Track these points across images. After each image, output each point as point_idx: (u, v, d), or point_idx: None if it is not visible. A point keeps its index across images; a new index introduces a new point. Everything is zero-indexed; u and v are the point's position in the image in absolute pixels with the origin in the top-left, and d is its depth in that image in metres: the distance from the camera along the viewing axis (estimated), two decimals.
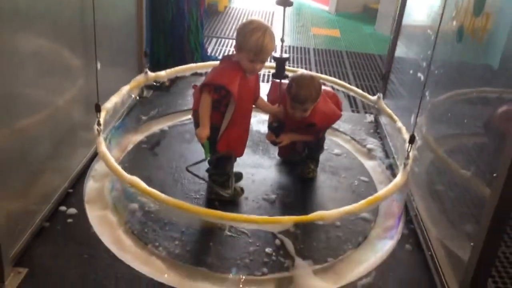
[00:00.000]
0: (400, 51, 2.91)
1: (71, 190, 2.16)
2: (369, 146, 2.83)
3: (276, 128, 2.30)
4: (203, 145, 2.02)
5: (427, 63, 2.25)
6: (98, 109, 2.12)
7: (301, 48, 4.93)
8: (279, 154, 2.59)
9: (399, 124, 2.52)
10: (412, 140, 2.05)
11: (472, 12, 1.77)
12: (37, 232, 1.87)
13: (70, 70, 2.14)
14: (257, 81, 2.21)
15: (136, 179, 1.91)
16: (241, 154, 2.19)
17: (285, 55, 2.25)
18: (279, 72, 2.26)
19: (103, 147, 2.08)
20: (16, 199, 1.74)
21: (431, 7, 2.36)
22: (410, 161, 2.10)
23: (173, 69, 2.98)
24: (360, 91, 3.03)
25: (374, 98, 2.93)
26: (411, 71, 2.53)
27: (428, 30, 2.31)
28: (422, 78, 2.32)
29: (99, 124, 2.13)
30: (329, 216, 1.84)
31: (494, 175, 1.42)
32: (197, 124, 2.05)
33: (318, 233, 2.07)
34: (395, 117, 2.62)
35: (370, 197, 1.94)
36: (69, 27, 2.07)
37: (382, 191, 2.01)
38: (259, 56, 1.95)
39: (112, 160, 2.01)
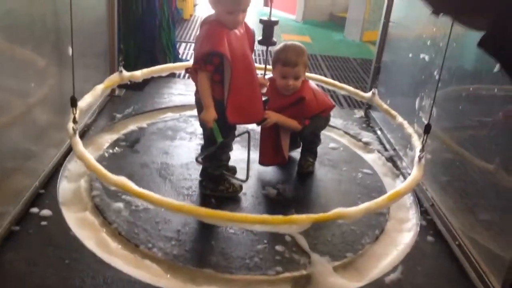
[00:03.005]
0: (393, 37, 2.77)
1: (42, 191, 1.85)
2: (364, 139, 2.66)
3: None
4: (211, 130, 1.77)
5: (433, 41, 2.13)
6: (74, 103, 1.81)
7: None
8: (260, 161, 2.24)
9: (400, 119, 2.35)
10: (428, 129, 1.86)
11: None
12: (6, 237, 1.55)
13: (40, 69, 1.88)
14: (250, 34, 1.90)
15: (124, 180, 1.63)
16: (261, 117, 1.95)
17: (273, 19, 2.03)
18: (267, 37, 2.03)
19: (80, 147, 1.78)
20: None
21: None
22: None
23: (149, 69, 2.68)
24: (352, 88, 2.81)
25: (368, 95, 2.75)
26: (410, 55, 2.38)
27: None
28: (426, 58, 2.17)
29: (75, 121, 1.83)
30: (350, 214, 1.61)
31: None
32: (200, 109, 1.81)
33: (331, 227, 1.85)
34: (393, 112, 2.44)
35: (391, 192, 1.75)
36: (40, 26, 1.83)
37: (402, 185, 1.81)
38: (238, 5, 1.71)
39: (92, 161, 1.73)
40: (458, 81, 1.88)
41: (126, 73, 2.55)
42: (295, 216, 1.57)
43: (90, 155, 1.75)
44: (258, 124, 2.08)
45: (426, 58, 2.16)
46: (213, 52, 1.70)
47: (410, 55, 2.37)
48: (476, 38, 1.73)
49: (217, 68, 1.73)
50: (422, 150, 1.91)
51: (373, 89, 2.76)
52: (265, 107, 2.00)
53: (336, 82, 2.88)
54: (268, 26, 2.00)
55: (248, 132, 1.90)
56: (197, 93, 1.85)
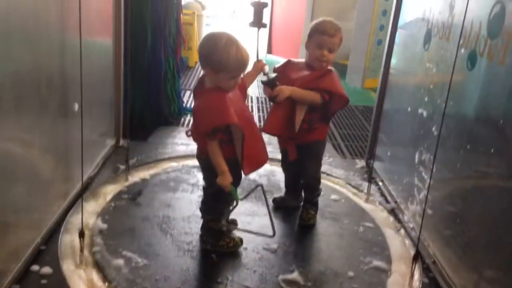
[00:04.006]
0: (394, 85, 2.82)
1: (44, 247, 1.86)
2: (366, 191, 2.66)
3: (270, 80, 2.00)
4: (228, 192, 1.81)
5: (430, 97, 2.17)
6: (82, 235, 1.86)
7: None
8: (264, 129, 2.14)
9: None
10: (416, 257, 1.89)
11: (487, 36, 1.69)
12: None
13: (46, 120, 1.91)
14: (242, 84, 1.92)
15: None
16: (267, 158, 1.97)
17: (263, 1, 2.05)
18: (257, 19, 2.03)
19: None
20: None
21: (423, 40, 2.30)
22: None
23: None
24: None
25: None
26: (409, 109, 2.42)
27: (427, 64, 2.23)
28: (424, 114, 2.20)
29: (81, 250, 1.86)
30: None
31: None
32: (206, 169, 1.86)
33: (331, 286, 1.84)
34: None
35: None
36: (46, 80, 1.86)
37: None
38: (242, 70, 1.77)
39: None
40: (456, 138, 1.90)
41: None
42: None
43: None
44: (272, 100, 2.07)
45: (424, 113, 2.19)
46: (225, 124, 1.74)
47: (409, 109, 2.41)
48: (472, 99, 1.77)
49: (224, 131, 1.77)
50: (411, 276, 1.90)
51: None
52: (276, 83, 2.01)
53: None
54: (258, 7, 2.03)
55: (261, 185, 1.93)
56: (201, 154, 1.88)
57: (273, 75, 2.04)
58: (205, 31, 6.77)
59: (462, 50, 1.86)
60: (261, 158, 1.93)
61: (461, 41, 1.86)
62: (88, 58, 2.29)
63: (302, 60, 2.22)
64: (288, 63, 2.22)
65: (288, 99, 2.06)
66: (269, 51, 7.11)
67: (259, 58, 2.06)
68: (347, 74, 5.98)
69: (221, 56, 1.70)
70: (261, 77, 2.08)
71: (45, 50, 1.84)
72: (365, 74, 5.77)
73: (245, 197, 2.03)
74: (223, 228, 1.97)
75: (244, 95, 1.96)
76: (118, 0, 2.76)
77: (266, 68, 2.03)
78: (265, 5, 2.06)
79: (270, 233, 1.94)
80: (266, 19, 2.11)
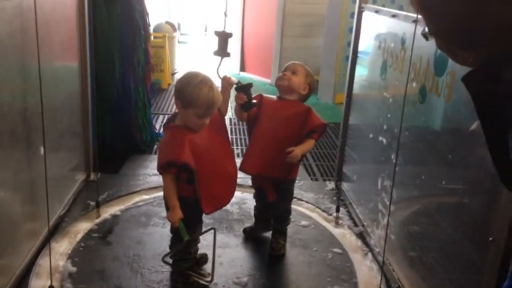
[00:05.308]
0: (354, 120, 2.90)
1: None
2: (335, 214, 2.72)
3: (245, 85, 2.04)
4: (177, 229, 1.84)
5: (388, 126, 2.25)
6: None
7: None
8: (243, 167, 2.17)
9: None
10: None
11: (434, 73, 1.77)
12: None
13: (10, 157, 1.91)
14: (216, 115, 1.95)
15: None
16: (231, 198, 2.02)
17: (228, 31, 2.07)
18: (222, 48, 2.06)
19: None
20: None
21: (380, 72, 2.39)
22: None
23: None
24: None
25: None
26: (371, 135, 2.50)
27: (384, 93, 2.32)
28: (384, 142, 2.28)
29: None
30: None
31: (490, 239, 1.35)
32: (168, 206, 1.89)
33: None
34: None
35: None
36: (9, 112, 1.86)
37: None
38: (209, 111, 1.80)
39: None
40: (412, 167, 1.98)
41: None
42: None
43: None
44: (245, 108, 2.10)
45: (384, 141, 2.27)
46: (175, 161, 1.78)
47: (371, 135, 2.48)
48: (424, 131, 1.85)
49: (181, 168, 1.81)
50: None
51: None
52: (250, 90, 2.05)
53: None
54: (223, 37, 2.06)
55: (214, 228, 1.96)
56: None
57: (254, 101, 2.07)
58: (179, 51, 6.83)
59: (414, 84, 1.94)
60: (224, 196, 1.98)
61: (412, 75, 1.95)
62: (54, 91, 2.29)
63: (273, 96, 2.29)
64: (262, 96, 2.25)
65: (268, 133, 2.14)
66: (242, 69, 7.17)
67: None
68: (318, 90, 6.07)
69: (193, 92, 1.76)
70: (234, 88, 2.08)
71: (7, 81, 1.84)
72: (335, 90, 5.89)
73: (195, 238, 2.00)
74: (183, 270, 2.00)
75: (221, 123, 1.99)
76: (83, 31, 2.77)
77: (234, 79, 2.05)
78: (229, 35, 2.09)
79: (244, 267, 1.96)
80: (237, 39, 2.14)
